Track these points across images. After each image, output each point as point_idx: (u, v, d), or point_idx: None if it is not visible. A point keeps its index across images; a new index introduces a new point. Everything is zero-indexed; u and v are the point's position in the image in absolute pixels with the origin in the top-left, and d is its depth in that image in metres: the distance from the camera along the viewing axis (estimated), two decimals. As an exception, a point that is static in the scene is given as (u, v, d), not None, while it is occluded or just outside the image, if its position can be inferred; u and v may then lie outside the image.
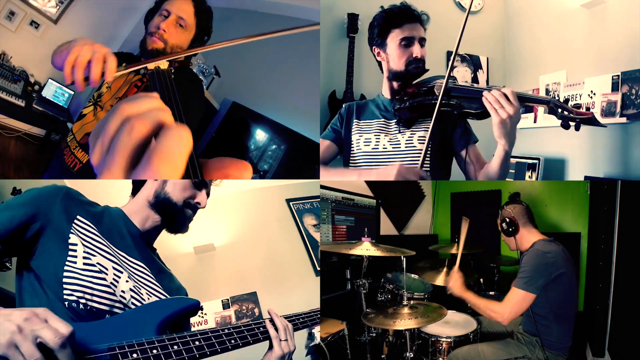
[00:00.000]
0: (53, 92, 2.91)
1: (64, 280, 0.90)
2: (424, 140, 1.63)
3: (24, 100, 2.71)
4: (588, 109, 1.40)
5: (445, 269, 2.49)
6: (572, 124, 1.40)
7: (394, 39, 1.66)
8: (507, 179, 2.65)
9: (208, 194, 1.23)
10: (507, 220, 1.87)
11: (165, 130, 0.53)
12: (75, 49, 1.19)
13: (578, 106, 1.40)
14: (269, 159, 3.21)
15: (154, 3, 1.84)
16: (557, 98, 1.44)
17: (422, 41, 1.67)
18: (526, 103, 1.51)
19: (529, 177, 2.47)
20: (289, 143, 3.13)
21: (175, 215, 1.17)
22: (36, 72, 2.86)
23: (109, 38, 3.08)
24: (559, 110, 1.41)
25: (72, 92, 2.97)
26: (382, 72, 1.77)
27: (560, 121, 1.42)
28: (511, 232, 1.86)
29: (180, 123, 0.55)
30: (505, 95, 1.39)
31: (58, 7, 2.84)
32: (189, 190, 1.17)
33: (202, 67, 3.13)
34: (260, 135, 3.25)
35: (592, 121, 1.39)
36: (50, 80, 2.90)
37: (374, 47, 1.75)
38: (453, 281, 1.89)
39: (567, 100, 1.42)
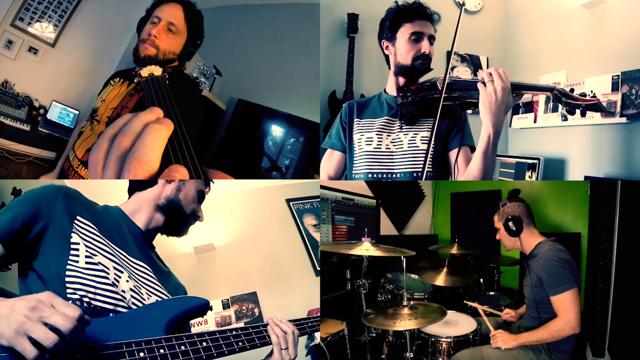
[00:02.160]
0: (58, 113, 2.97)
1: (67, 279, 0.89)
2: (427, 140, 1.62)
3: (29, 125, 2.80)
4: (594, 95, 1.39)
5: (445, 269, 2.49)
6: (577, 110, 1.38)
7: (404, 32, 1.67)
8: (507, 179, 2.65)
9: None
10: (514, 218, 1.80)
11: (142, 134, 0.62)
12: None
13: (583, 95, 1.39)
14: (289, 153, 3.14)
15: (144, 12, 1.86)
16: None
17: (431, 39, 1.68)
18: (530, 91, 1.50)
19: (529, 177, 2.47)
20: (307, 133, 3.05)
21: (180, 221, 1.23)
22: (40, 96, 2.92)
23: (106, 55, 3.14)
24: (564, 98, 1.39)
25: (77, 112, 3.01)
26: (389, 68, 1.77)
27: (565, 107, 1.39)
28: (516, 232, 1.80)
29: (165, 119, 0.61)
30: (498, 71, 1.38)
31: (55, 30, 2.91)
32: (196, 203, 1.25)
33: (202, 69, 3.11)
34: (276, 130, 3.19)
35: (597, 107, 1.37)
36: (54, 102, 2.96)
37: (383, 41, 1.75)
38: (501, 341, 1.72)
39: (572, 90, 1.41)
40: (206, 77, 3.15)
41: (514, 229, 1.80)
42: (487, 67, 3.03)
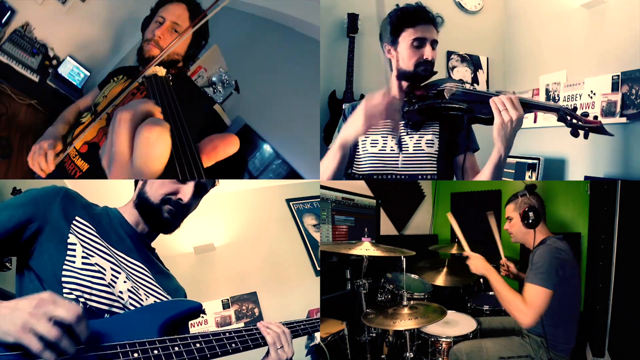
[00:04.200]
0: (69, 70, 2.86)
1: (63, 279, 0.90)
2: (432, 143, 1.63)
3: (39, 75, 2.68)
4: (596, 117, 1.43)
5: (445, 269, 2.49)
6: (581, 132, 1.42)
7: (406, 38, 1.64)
8: (507, 179, 2.65)
9: (200, 189, 1.16)
10: (534, 209, 1.76)
11: (137, 136, 0.58)
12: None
13: (586, 114, 1.43)
14: (270, 172, 3.17)
15: (149, 10, 1.85)
16: (566, 106, 1.47)
17: (433, 44, 1.65)
18: (536, 110, 1.53)
19: (529, 177, 2.47)
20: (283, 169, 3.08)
21: (153, 215, 1.12)
22: (57, 47, 2.81)
23: (134, 24, 3.00)
24: (569, 118, 1.43)
25: (89, 74, 2.91)
26: (391, 70, 1.76)
27: (569, 129, 1.44)
28: (533, 224, 1.77)
29: (160, 125, 0.59)
30: (512, 100, 1.40)
31: None
32: (168, 185, 1.11)
33: (222, 77, 2.94)
34: (265, 151, 3.19)
35: (600, 130, 1.41)
36: (68, 57, 2.83)
37: (385, 44, 1.72)
38: (474, 261, 1.78)
39: (575, 109, 1.45)
40: (224, 86, 2.96)
41: (533, 219, 1.76)
42: (487, 68, 3.03)
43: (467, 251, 1.85)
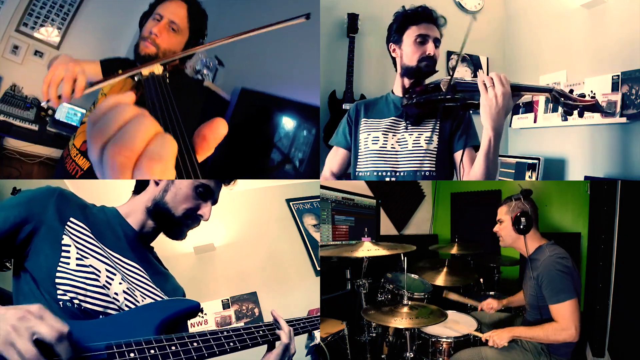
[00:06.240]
0: (65, 113, 3.04)
1: (57, 281, 0.89)
2: (431, 140, 1.65)
3: (38, 125, 2.92)
4: (593, 96, 1.41)
5: (445, 269, 2.49)
6: (575, 111, 1.41)
7: (410, 35, 1.72)
8: (507, 179, 2.65)
9: (215, 201, 1.19)
10: (526, 214, 1.74)
11: (154, 138, 0.59)
12: (52, 68, 1.31)
13: (583, 95, 1.42)
14: (303, 146, 2.86)
15: (148, 6, 1.84)
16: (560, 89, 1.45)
17: (436, 42, 1.72)
18: (528, 92, 1.52)
19: (529, 177, 2.47)
20: (315, 121, 2.77)
21: (172, 226, 1.14)
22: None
23: (110, 54, 3.15)
24: (562, 98, 1.42)
25: (85, 111, 3.03)
26: (396, 70, 1.82)
27: (563, 108, 1.43)
28: (524, 230, 1.75)
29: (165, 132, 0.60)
30: (498, 77, 1.41)
31: (59, 34, 3.01)
32: (191, 201, 1.13)
33: (205, 62, 3.02)
34: (286, 122, 2.93)
35: (595, 108, 1.39)
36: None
37: (390, 44, 1.80)
38: (497, 339, 1.70)
39: (571, 91, 1.43)
40: (209, 69, 3.04)
41: (524, 225, 1.74)
42: (487, 68, 3.04)
43: (483, 337, 1.76)
